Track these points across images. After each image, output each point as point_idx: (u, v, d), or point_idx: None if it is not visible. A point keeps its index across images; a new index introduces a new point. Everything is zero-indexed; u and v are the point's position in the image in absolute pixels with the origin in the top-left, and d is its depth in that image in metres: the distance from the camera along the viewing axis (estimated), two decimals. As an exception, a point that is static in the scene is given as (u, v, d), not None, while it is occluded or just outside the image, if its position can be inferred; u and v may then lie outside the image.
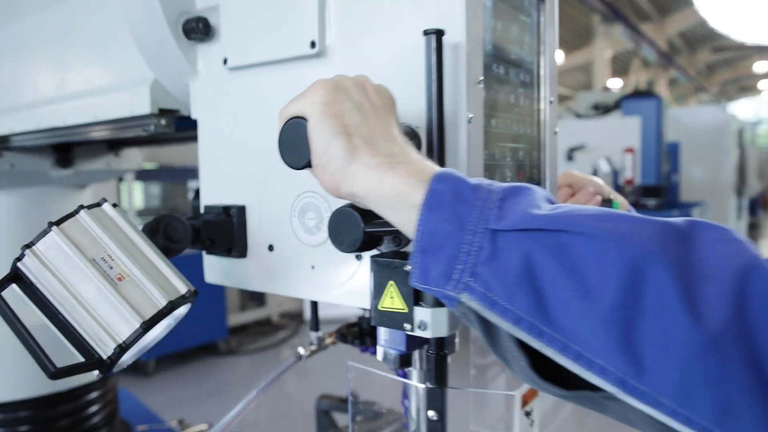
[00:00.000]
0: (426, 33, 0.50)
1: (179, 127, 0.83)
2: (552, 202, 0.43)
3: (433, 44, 0.50)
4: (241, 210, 0.70)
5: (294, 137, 0.47)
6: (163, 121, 0.80)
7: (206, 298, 4.69)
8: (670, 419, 0.33)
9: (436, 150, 0.51)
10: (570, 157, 4.74)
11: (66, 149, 1.35)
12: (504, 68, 0.62)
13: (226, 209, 0.70)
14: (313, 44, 0.61)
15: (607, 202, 0.83)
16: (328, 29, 0.61)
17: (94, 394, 1.41)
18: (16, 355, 1.24)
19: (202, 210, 0.74)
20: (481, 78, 0.55)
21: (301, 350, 1.04)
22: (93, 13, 0.87)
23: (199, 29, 0.72)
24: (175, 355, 3.92)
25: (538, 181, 0.73)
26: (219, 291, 4.63)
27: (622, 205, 0.85)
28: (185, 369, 3.96)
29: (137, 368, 3.78)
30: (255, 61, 0.67)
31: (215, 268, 0.75)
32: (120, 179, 3.72)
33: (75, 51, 0.91)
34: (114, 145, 1.48)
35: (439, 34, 0.50)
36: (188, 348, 4.00)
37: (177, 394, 3.55)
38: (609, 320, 0.35)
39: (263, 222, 0.69)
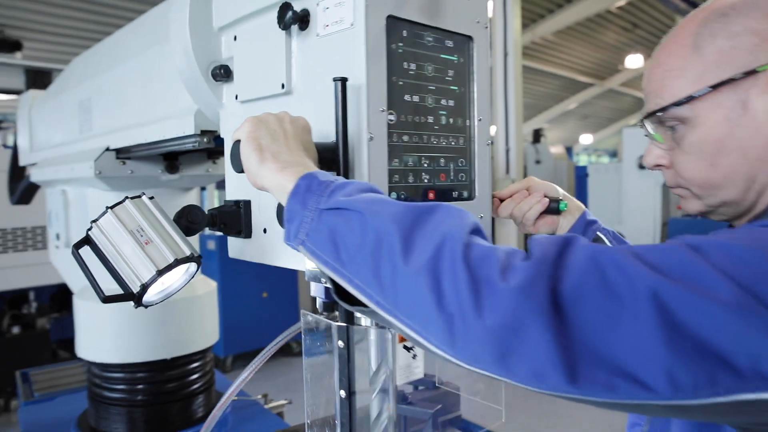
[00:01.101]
0: (334, 80, 0.76)
1: (218, 143, 1.16)
2: (373, 191, 0.67)
3: (339, 88, 0.76)
4: (247, 203, 1.00)
5: (234, 153, 0.76)
6: (205, 139, 1.14)
7: (280, 300, 5.21)
8: (402, 326, 0.57)
9: (341, 159, 0.77)
10: (642, 166, 4.59)
11: (173, 158, 1.68)
12: (419, 97, 0.86)
13: (237, 203, 1.01)
14: (282, 86, 0.90)
15: (554, 202, 1.03)
16: (293, 76, 0.90)
17: (195, 364, 1.78)
18: (139, 326, 1.66)
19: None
20: (383, 108, 0.80)
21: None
22: (160, 64, 1.24)
23: (221, 74, 1.05)
24: (250, 353, 4.38)
25: (468, 182, 0.95)
26: (293, 294, 5.11)
27: (570, 205, 1.04)
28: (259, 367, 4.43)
29: (216, 364, 4.31)
30: (253, 97, 0.97)
31: (234, 247, 1.06)
32: (203, 188, 4.30)
33: (153, 89, 1.29)
34: (212, 154, 1.85)
35: (344, 80, 0.76)
36: (262, 347, 4.47)
37: (251, 390, 4.01)
38: (368, 263, 0.59)
39: (260, 211, 0.98)
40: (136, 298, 0.87)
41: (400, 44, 0.83)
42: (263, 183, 0.72)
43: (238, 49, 1.03)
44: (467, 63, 0.94)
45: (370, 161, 0.79)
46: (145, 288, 0.86)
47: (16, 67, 4.13)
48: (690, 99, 0.68)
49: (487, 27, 0.96)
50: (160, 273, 0.86)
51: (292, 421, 1.76)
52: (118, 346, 1.67)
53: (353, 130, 0.79)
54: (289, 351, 4.66)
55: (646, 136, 0.76)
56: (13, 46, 4.20)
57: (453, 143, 0.93)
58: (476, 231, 0.59)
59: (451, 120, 0.92)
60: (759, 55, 0.65)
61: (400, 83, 0.83)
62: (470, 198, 0.96)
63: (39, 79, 4.24)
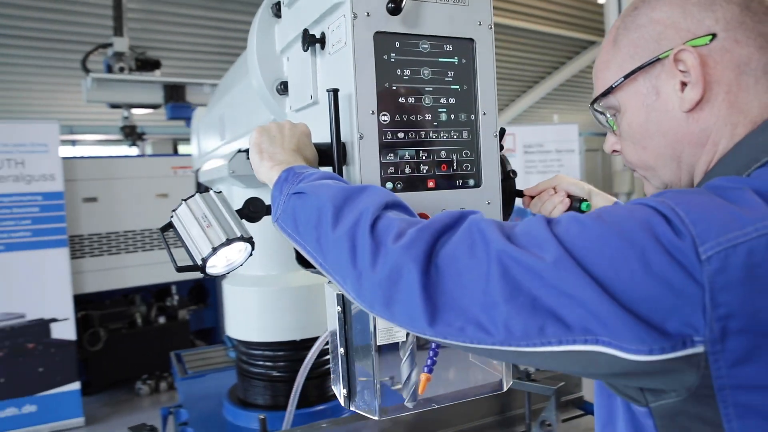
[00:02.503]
0: (327, 91, 0.96)
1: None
2: (333, 178, 0.85)
3: (332, 97, 0.96)
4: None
5: (247, 155, 1.00)
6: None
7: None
8: (335, 281, 0.76)
9: (335, 155, 0.97)
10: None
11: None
12: (415, 98, 1.03)
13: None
14: (310, 97, 1.12)
15: (577, 202, 1.14)
16: (318, 89, 1.11)
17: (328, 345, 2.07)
18: (278, 309, 1.97)
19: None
20: (373, 110, 0.98)
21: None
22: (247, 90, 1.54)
23: (282, 89, 1.30)
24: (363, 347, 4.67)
25: (474, 171, 1.09)
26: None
27: (598, 202, 1.14)
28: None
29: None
30: (298, 107, 1.20)
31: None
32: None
33: (248, 104, 1.60)
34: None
35: (335, 91, 0.96)
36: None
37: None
38: (312, 233, 0.78)
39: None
40: (201, 269, 1.16)
41: (392, 54, 1.01)
42: (262, 178, 0.94)
43: (289, 68, 1.28)
44: (470, 63, 1.09)
45: (361, 156, 0.97)
46: (204, 261, 1.14)
47: (155, 84, 4.85)
48: (611, 89, 0.78)
49: (491, 27, 1.10)
50: (215, 249, 1.13)
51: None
52: (261, 326, 1.98)
53: (349, 131, 0.99)
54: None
55: (601, 124, 0.86)
56: (154, 65, 4.94)
57: (456, 137, 1.08)
58: (391, 206, 0.75)
59: (452, 116, 1.07)
60: (662, 43, 0.73)
61: (394, 88, 1.01)
62: (477, 186, 1.10)
63: (175, 93, 4.93)
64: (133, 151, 5.72)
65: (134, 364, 4.71)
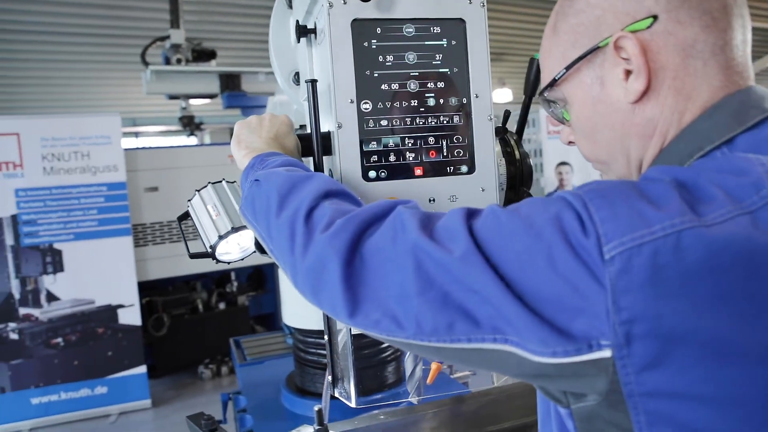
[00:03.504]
0: (306, 81, 0.99)
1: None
2: (292, 164, 0.88)
3: (310, 87, 0.99)
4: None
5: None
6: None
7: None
8: (281, 267, 0.79)
9: (315, 145, 1.00)
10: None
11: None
12: (399, 84, 1.04)
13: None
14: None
15: None
16: (315, 77, 1.14)
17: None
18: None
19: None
20: (352, 99, 1.00)
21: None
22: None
23: (296, 79, 1.35)
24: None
25: (467, 157, 1.09)
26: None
27: None
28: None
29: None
30: (304, 96, 1.23)
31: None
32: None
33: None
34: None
35: (314, 81, 0.98)
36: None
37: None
38: (263, 220, 0.81)
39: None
40: (212, 256, 1.24)
41: (374, 41, 1.02)
42: (240, 165, 0.99)
43: (298, 59, 1.32)
44: (461, 44, 1.08)
45: (340, 145, 1.00)
46: (213, 248, 1.22)
47: (211, 74, 5.04)
48: (554, 82, 0.75)
49: (483, 5, 1.09)
50: (221, 237, 1.20)
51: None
52: (315, 314, 2.06)
53: (330, 120, 1.01)
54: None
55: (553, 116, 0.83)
56: (210, 55, 5.13)
57: (445, 121, 1.08)
58: (332, 195, 0.78)
59: (441, 101, 1.07)
60: (602, 29, 0.69)
61: (375, 75, 1.02)
62: (470, 172, 1.10)
63: (231, 82, 5.10)
64: (192, 140, 5.98)
65: (196, 349, 4.97)
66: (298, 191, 0.79)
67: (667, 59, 0.66)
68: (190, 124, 5.64)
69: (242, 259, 1.29)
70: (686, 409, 0.52)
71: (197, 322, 4.98)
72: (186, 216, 1.32)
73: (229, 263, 1.27)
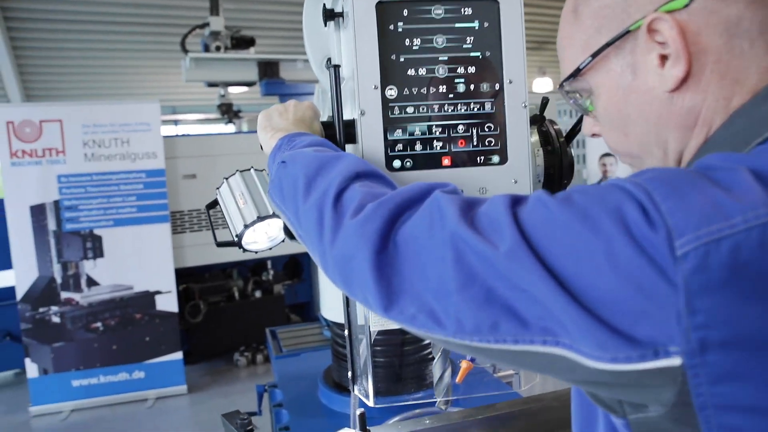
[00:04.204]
0: (327, 67, 0.96)
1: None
2: (324, 145, 0.86)
3: (333, 72, 0.96)
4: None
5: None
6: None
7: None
8: (310, 253, 0.76)
9: (338, 131, 0.97)
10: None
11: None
12: (427, 69, 1.00)
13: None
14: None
15: None
16: (343, 60, 1.10)
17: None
18: None
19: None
20: (377, 85, 0.96)
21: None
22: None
23: (329, 65, 1.32)
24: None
25: (499, 147, 1.04)
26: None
27: None
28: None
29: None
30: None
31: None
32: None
33: None
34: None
35: (336, 66, 0.95)
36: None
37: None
38: (291, 203, 0.78)
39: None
40: (238, 245, 1.23)
41: (400, 24, 0.98)
42: (266, 148, 0.96)
43: (330, 44, 1.29)
44: (494, 26, 1.03)
45: (363, 134, 0.97)
46: (239, 237, 1.21)
47: (250, 61, 5.08)
48: (578, 71, 0.69)
49: (518, -15, 1.04)
50: (247, 226, 1.19)
51: (522, 388, 1.94)
52: (358, 308, 2.02)
53: (354, 107, 0.98)
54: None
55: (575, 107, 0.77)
56: (248, 42, 5.16)
57: (476, 109, 1.03)
58: (363, 176, 0.74)
59: (471, 86, 1.03)
60: (632, 11, 0.63)
61: (402, 60, 0.98)
62: (502, 162, 1.05)
63: (269, 69, 5.13)
64: (230, 128, 6.05)
65: (232, 336, 5.05)
66: (326, 172, 0.75)
67: (708, 41, 0.60)
68: (228, 111, 5.69)
69: (270, 249, 1.28)
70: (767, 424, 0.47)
71: (233, 309, 5.05)
72: (215, 204, 1.32)
73: (256, 252, 1.26)
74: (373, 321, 1.01)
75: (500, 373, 2.40)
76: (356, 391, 1.04)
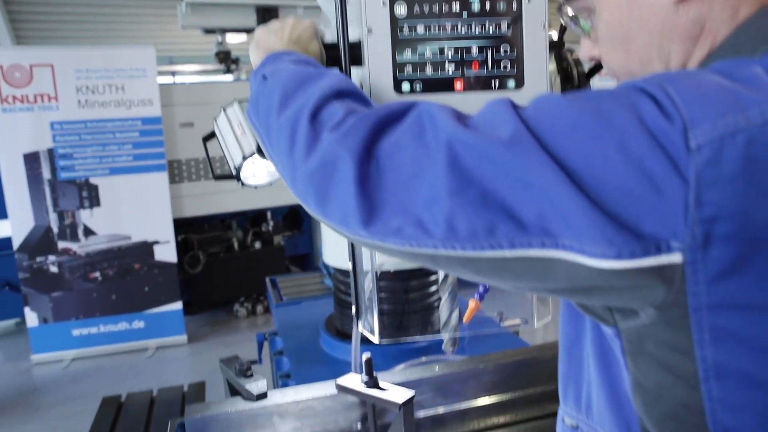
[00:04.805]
0: (331, -23, 0.88)
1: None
2: (309, 63, 0.80)
3: (339, -14, 0.88)
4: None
5: None
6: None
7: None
8: (278, 171, 0.71)
9: (343, 51, 0.90)
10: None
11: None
12: (440, -12, 0.92)
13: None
14: None
15: None
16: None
17: (432, 278, 1.93)
18: None
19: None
20: (385, 1, 0.89)
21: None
22: None
23: None
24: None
25: (515, 70, 0.97)
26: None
27: None
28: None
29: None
30: None
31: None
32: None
33: None
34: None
35: (341, -25, 0.88)
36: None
37: (486, 308, 4.31)
38: (264, 119, 0.73)
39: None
40: (236, 178, 1.18)
41: (412, -70, 0.90)
42: (254, 63, 0.90)
43: None
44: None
45: (369, 54, 0.89)
46: (237, 169, 1.16)
47: (248, 7, 4.90)
48: None
49: None
50: (245, 158, 1.14)
51: (527, 339, 1.91)
52: (364, 254, 1.94)
53: (360, 26, 0.90)
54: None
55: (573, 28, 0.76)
56: (246, -15, 4.99)
57: (491, 30, 0.96)
58: (345, 95, 0.68)
59: (487, 4, 0.95)
60: None
61: (415, -26, 0.90)
62: (518, 87, 0.98)
63: (268, 15, 4.94)
64: (228, 78, 5.91)
65: (232, 287, 5.04)
66: (305, 88, 0.70)
67: None
68: (226, 59, 5.54)
69: (270, 184, 1.22)
70: (760, 323, 0.48)
71: (232, 260, 5.03)
72: (212, 136, 1.25)
73: (255, 187, 1.21)
74: (379, 255, 0.96)
75: (507, 322, 2.38)
76: (360, 328, 1.00)
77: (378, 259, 0.97)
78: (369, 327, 1.00)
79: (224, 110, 1.19)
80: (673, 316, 0.50)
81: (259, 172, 1.20)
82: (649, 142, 0.47)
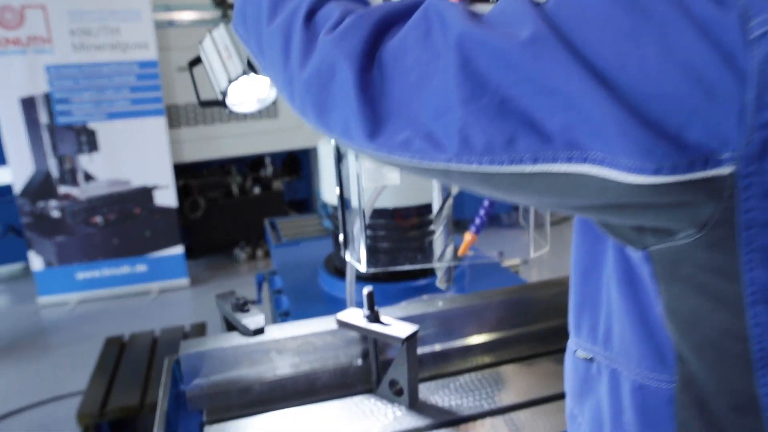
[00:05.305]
0: None
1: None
2: None
3: None
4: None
5: None
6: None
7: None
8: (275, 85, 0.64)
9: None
10: None
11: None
12: None
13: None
14: None
15: None
16: None
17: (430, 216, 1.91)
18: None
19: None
20: None
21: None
22: None
23: None
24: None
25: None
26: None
27: None
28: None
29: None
30: None
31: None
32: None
33: None
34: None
35: None
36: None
37: (485, 248, 4.29)
38: (254, 30, 0.65)
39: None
40: (221, 103, 1.11)
41: None
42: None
43: None
44: None
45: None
46: (224, 94, 1.08)
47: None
48: None
49: None
50: (232, 81, 1.07)
51: (529, 279, 1.85)
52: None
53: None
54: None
55: None
56: None
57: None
58: None
59: None
60: None
61: None
62: None
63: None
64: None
65: (232, 232, 5.01)
66: None
67: None
68: (222, 3, 5.34)
69: (258, 111, 1.15)
70: None
71: (232, 205, 4.98)
72: (198, 61, 1.17)
73: (245, 115, 1.14)
74: (367, 177, 0.90)
75: (507, 262, 2.35)
76: (348, 257, 0.95)
77: (365, 181, 0.91)
78: (356, 256, 0.95)
79: (210, 33, 1.11)
80: (716, 235, 0.44)
81: (247, 98, 1.12)
82: (696, 35, 0.39)
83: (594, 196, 0.45)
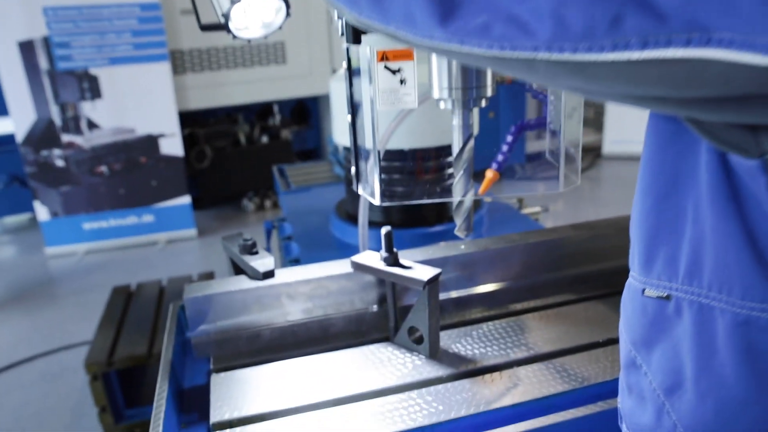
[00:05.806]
0: None
1: None
2: None
3: None
4: None
5: None
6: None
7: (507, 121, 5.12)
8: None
9: None
10: None
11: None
12: None
13: None
14: None
15: None
16: None
17: (448, 159, 1.78)
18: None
19: None
20: None
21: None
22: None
23: None
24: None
25: None
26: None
27: None
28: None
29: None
30: None
31: None
32: None
33: None
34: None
35: None
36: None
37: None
38: None
39: None
40: (225, 27, 1.00)
41: None
42: None
43: None
44: None
45: None
46: (226, 17, 0.97)
47: None
48: None
49: None
50: (234, 2, 0.96)
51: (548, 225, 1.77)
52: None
53: None
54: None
55: None
56: None
57: None
58: None
59: None
60: None
61: None
62: None
63: None
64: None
65: (240, 182, 4.92)
66: None
67: None
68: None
69: (264, 37, 1.03)
70: None
71: (240, 155, 4.87)
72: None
73: (249, 41, 1.02)
74: (381, 100, 0.79)
75: (526, 209, 2.25)
76: (361, 190, 0.86)
77: (380, 104, 0.81)
78: (370, 189, 0.86)
79: None
80: None
81: (251, 23, 1.01)
82: None
83: (715, 86, 0.36)
